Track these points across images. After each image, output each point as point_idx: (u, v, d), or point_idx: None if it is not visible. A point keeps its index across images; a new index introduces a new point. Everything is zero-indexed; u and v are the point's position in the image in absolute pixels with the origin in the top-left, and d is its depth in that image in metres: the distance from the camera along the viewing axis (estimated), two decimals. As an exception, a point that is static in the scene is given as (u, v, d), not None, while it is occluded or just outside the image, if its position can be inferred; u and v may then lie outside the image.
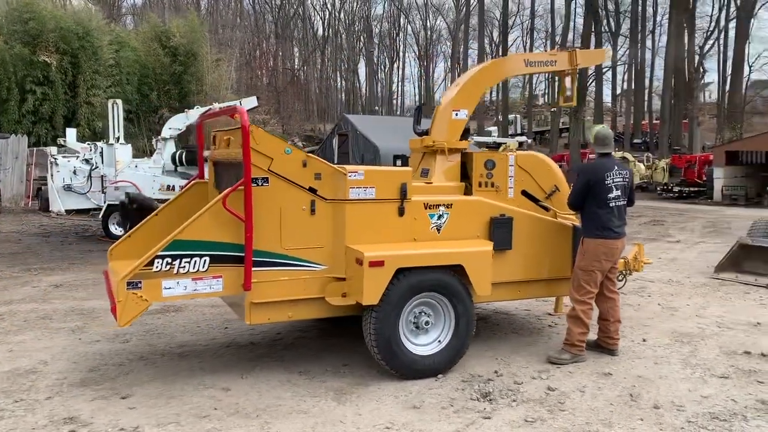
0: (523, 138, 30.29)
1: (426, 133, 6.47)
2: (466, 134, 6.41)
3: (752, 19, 40.54)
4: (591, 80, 41.05)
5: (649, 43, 49.34)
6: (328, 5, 67.05)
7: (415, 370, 5.13)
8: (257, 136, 4.81)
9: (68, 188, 13.85)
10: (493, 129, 47.71)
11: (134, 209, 11.05)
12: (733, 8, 43.08)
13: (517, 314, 7.30)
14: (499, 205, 5.71)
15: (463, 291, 5.23)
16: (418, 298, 5.14)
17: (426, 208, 5.39)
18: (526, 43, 62.80)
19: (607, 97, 52.07)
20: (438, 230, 5.44)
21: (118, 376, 5.21)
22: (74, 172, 13.88)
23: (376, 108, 62.95)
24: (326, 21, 67.92)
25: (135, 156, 14.84)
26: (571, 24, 48.47)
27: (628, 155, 30.74)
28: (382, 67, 71.49)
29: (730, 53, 41.25)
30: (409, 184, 5.26)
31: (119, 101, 14.57)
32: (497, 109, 55.41)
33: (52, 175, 13.87)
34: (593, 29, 39.25)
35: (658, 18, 51.41)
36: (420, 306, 5.21)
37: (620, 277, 6.36)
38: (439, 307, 5.27)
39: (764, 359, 5.73)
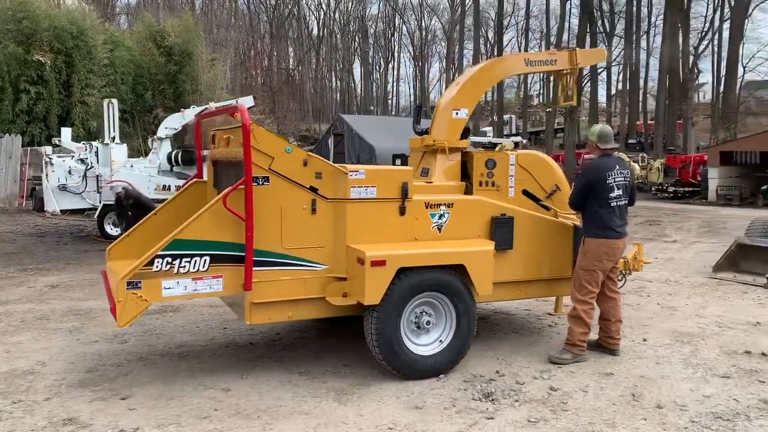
0: (518, 138, 30.31)
1: (426, 132, 6.44)
2: (466, 133, 6.39)
3: (746, 20, 40.67)
4: (586, 81, 41.11)
5: (643, 43, 49.49)
6: (323, 5, 67.11)
7: (417, 370, 5.11)
8: (258, 135, 4.77)
9: (63, 188, 13.77)
10: (488, 129, 47.74)
11: (130, 204, 11.01)
12: (727, 9, 43.19)
13: (517, 314, 7.28)
14: (500, 204, 5.69)
15: (465, 291, 5.21)
16: (420, 297, 5.12)
17: (427, 208, 5.37)
18: (521, 43, 62.96)
19: (602, 97, 52.17)
20: (439, 230, 5.41)
21: (117, 377, 5.17)
22: (69, 172, 13.81)
23: (372, 108, 62.92)
24: (321, 21, 67.93)
25: (130, 156, 14.77)
26: (566, 24, 48.55)
27: (623, 155, 30.71)
28: (377, 67, 71.51)
29: (725, 54, 41.37)
30: (410, 183, 5.24)
31: (114, 101, 14.51)
32: (492, 109, 55.43)
33: (47, 175, 13.78)
34: (588, 30, 39.29)
35: (653, 19, 51.53)
36: (421, 306, 5.18)
37: (620, 277, 6.34)
38: (440, 306, 5.24)
39: (765, 359, 5.73)
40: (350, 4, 67.54)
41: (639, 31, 46.79)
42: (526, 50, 55.52)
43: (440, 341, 5.24)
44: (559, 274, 5.98)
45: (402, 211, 5.23)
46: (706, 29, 47.85)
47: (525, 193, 6.02)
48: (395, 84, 76.00)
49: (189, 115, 13.97)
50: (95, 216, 13.68)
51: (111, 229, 13.60)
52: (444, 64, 65.77)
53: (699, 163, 29.35)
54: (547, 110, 46.11)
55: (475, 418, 4.42)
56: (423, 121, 6.96)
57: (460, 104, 6.26)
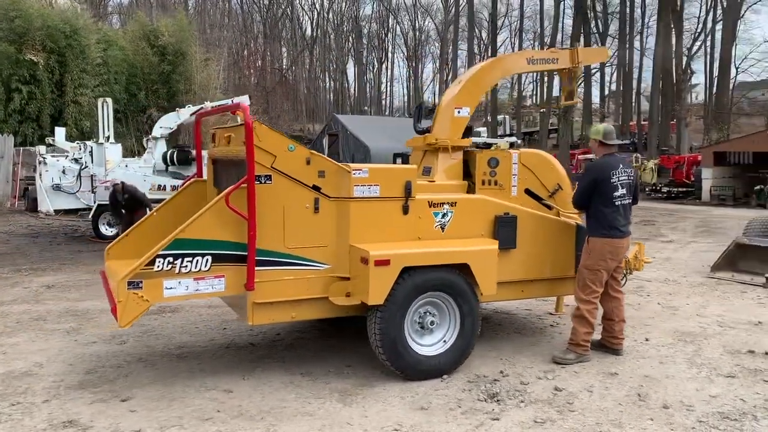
0: (513, 138, 30.32)
1: (427, 131, 6.40)
2: (468, 132, 6.35)
3: (739, 21, 40.86)
4: (580, 81, 41.10)
5: (637, 44, 49.59)
6: (317, 5, 66.97)
7: (421, 370, 5.06)
8: (260, 133, 4.72)
9: (57, 188, 13.67)
10: (482, 130, 47.57)
11: (125, 199, 10.91)
12: (720, 10, 43.37)
13: (518, 314, 7.24)
14: (504, 203, 5.65)
15: (469, 290, 5.17)
16: (424, 297, 5.07)
17: (430, 207, 5.32)
18: (514, 44, 62.91)
19: (595, 98, 52.27)
20: (442, 229, 5.37)
21: (117, 378, 5.09)
22: (63, 172, 13.71)
23: (366, 108, 62.85)
24: (314, 21, 67.82)
25: (123, 156, 14.67)
26: (560, 25, 48.64)
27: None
28: (371, 67, 71.44)
29: (717, 55, 41.53)
30: (413, 182, 5.19)
31: (109, 100, 14.41)
32: (486, 109, 55.45)
33: (40, 175, 13.68)
34: (582, 30, 39.38)
35: (647, 19, 51.67)
36: (425, 306, 5.14)
37: (621, 276, 6.30)
38: (444, 306, 5.19)
39: (768, 358, 5.71)
40: (344, 4, 67.49)
41: (632, 31, 46.86)
42: (520, 50, 55.60)
43: (444, 341, 5.20)
44: (562, 274, 5.95)
45: (405, 210, 5.19)
46: (699, 30, 48.05)
47: (527, 192, 5.98)
48: (389, 84, 76.04)
49: (184, 114, 13.90)
50: (90, 216, 13.57)
51: (105, 230, 13.52)
52: (438, 64, 65.84)
53: (692, 164, 29.41)
54: (541, 111, 46.14)
55: (481, 419, 4.38)
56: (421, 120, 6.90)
57: (462, 103, 6.22)
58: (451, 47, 57.68)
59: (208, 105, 14.07)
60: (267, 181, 4.78)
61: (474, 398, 4.74)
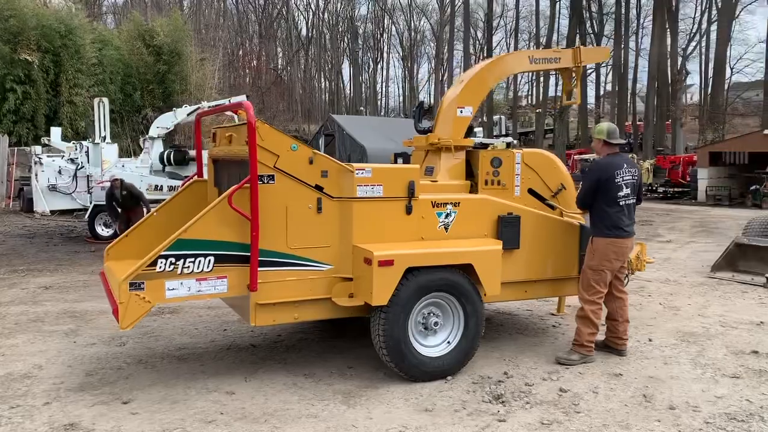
0: (510, 138, 30.35)
1: (429, 130, 6.36)
2: (470, 132, 6.31)
3: (733, 22, 40.97)
4: (574, 83, 41.14)
5: (632, 44, 49.69)
6: (312, 5, 66.88)
7: (424, 371, 5.02)
8: (263, 132, 4.67)
9: (53, 188, 13.60)
10: (478, 130, 47.71)
11: (124, 195, 10.83)
12: (714, 11, 43.50)
13: (520, 314, 7.21)
14: (507, 203, 5.61)
15: (473, 291, 5.13)
16: (427, 298, 5.03)
17: (434, 207, 5.28)
18: (509, 44, 63.03)
19: (590, 98, 52.31)
20: (446, 229, 5.33)
21: (118, 381, 5.04)
22: (59, 172, 13.64)
23: (361, 108, 62.78)
24: (309, 21, 67.72)
25: (119, 156, 14.59)
26: (556, 25, 48.69)
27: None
28: (366, 67, 71.39)
29: (712, 55, 41.64)
30: (417, 181, 5.15)
31: (105, 99, 14.34)
32: (481, 110, 55.48)
33: (36, 175, 13.61)
34: (578, 31, 39.44)
35: (642, 20, 51.79)
36: (428, 306, 5.10)
37: (624, 277, 6.28)
38: (447, 307, 5.16)
39: (772, 359, 5.69)
40: (339, 4, 67.40)
41: (627, 32, 46.96)
42: (515, 50, 55.64)
43: (448, 342, 5.16)
44: (565, 274, 5.91)
45: (408, 210, 5.14)
46: (694, 31, 48.20)
47: (531, 192, 5.95)
48: (384, 84, 75.99)
49: (181, 114, 13.84)
50: (86, 216, 13.49)
51: (102, 230, 13.43)
52: (433, 64, 65.83)
53: (688, 164, 29.48)
54: (537, 111, 46.22)
55: (486, 421, 4.34)
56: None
57: (464, 102, 6.19)
58: (446, 47, 57.64)
59: (205, 105, 14.02)
60: (270, 181, 4.74)
61: (479, 399, 4.70)
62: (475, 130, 6.64)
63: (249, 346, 5.98)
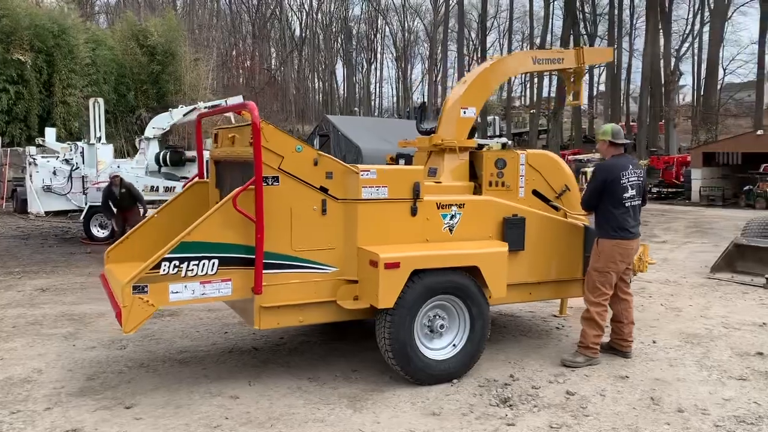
0: (504, 139, 30.34)
1: (431, 131, 6.32)
2: (473, 133, 6.28)
3: (726, 23, 41.14)
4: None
5: (625, 45, 49.84)
6: (305, 6, 66.77)
7: (430, 375, 4.97)
8: (267, 133, 4.61)
9: (48, 189, 13.50)
10: (472, 130, 47.63)
11: (122, 193, 10.74)
12: (707, 12, 43.66)
13: (523, 316, 7.18)
14: (512, 205, 5.57)
15: (479, 293, 5.09)
16: (433, 300, 4.98)
17: (438, 208, 5.23)
18: (503, 45, 63.05)
19: (584, 99, 52.40)
20: (450, 231, 5.28)
21: (119, 385, 4.97)
22: (54, 173, 13.56)
23: (355, 109, 62.73)
24: (303, 22, 67.61)
25: (113, 157, 14.49)
26: (549, 26, 48.73)
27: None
28: (360, 68, 71.34)
29: (705, 56, 41.80)
30: (422, 183, 5.10)
31: (100, 100, 14.25)
32: (475, 110, 55.38)
33: (30, 176, 13.51)
34: (572, 32, 39.52)
35: (635, 21, 51.93)
36: (434, 309, 5.06)
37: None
38: (453, 310, 5.11)
39: (777, 360, 5.68)
40: (332, 5, 67.32)
41: (621, 33, 47.12)
42: (509, 52, 55.70)
43: (454, 345, 5.12)
44: (570, 276, 5.88)
45: (413, 212, 5.10)
46: (687, 32, 48.37)
47: (535, 193, 5.91)
48: (378, 85, 75.96)
49: (177, 114, 13.76)
50: (81, 217, 13.39)
51: (97, 231, 13.33)
52: (427, 65, 65.79)
53: (682, 164, 29.59)
54: (531, 111, 46.29)
55: (495, 425, 4.30)
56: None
57: (468, 103, 6.15)
58: (440, 48, 57.69)
59: (201, 105, 13.95)
60: (274, 183, 4.68)
61: (486, 403, 4.66)
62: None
63: (251, 349, 5.92)
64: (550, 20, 48.22)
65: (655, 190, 29.44)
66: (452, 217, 5.28)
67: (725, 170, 27.27)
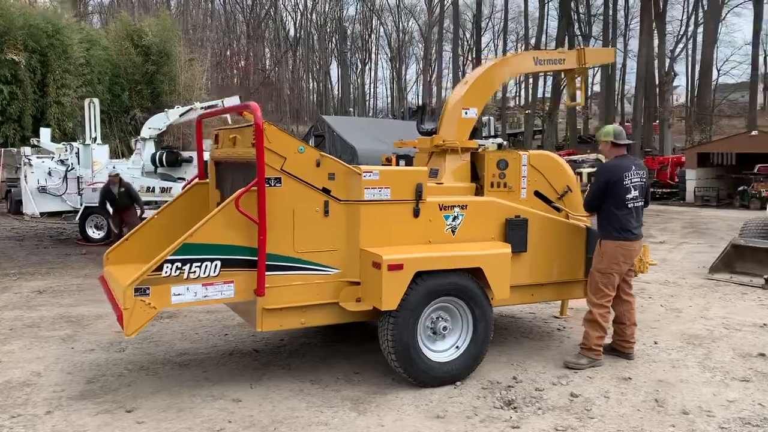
0: (500, 140, 30.34)
1: (432, 132, 6.29)
2: (474, 133, 6.25)
3: (720, 24, 41.28)
4: (563, 85, 41.32)
5: (620, 45, 49.93)
6: (300, 6, 66.66)
7: (433, 377, 4.95)
8: (270, 134, 4.58)
9: (43, 190, 13.42)
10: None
11: (121, 193, 10.68)
12: (701, 13, 43.80)
13: (523, 317, 7.16)
14: (514, 206, 5.56)
15: (482, 295, 5.07)
16: (436, 302, 4.96)
17: (441, 210, 5.21)
18: (498, 45, 63.12)
19: (578, 99, 52.45)
20: (453, 232, 5.26)
21: (120, 388, 4.92)
22: (49, 174, 13.48)
23: (350, 109, 62.67)
24: (297, 22, 67.49)
25: (109, 157, 14.42)
26: (544, 27, 48.77)
27: (602, 157, 31.01)
28: (354, 68, 71.25)
29: (699, 57, 41.92)
30: (424, 184, 5.07)
31: (96, 100, 14.21)
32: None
33: (25, 176, 13.44)
34: (566, 32, 39.58)
35: (629, 22, 52.05)
36: (437, 311, 5.03)
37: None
38: (456, 311, 5.09)
39: (780, 361, 5.67)
40: (327, 5, 67.22)
41: (615, 34, 47.24)
42: (504, 52, 55.76)
43: (457, 347, 5.09)
44: (572, 277, 5.87)
45: (416, 213, 5.07)
46: (681, 33, 48.51)
47: (537, 194, 5.89)
48: (372, 85, 75.92)
49: (173, 115, 13.69)
50: (76, 218, 13.30)
51: (93, 232, 13.26)
52: (421, 65, 65.81)
53: (676, 165, 29.67)
54: (526, 112, 46.33)
55: (500, 428, 4.28)
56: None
57: (469, 103, 6.12)
58: (435, 48, 57.67)
59: (198, 105, 13.88)
60: (277, 184, 4.65)
61: (490, 405, 4.63)
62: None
63: (252, 351, 5.88)
64: (545, 21, 48.32)
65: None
66: (455, 218, 5.26)
67: (720, 171, 27.36)
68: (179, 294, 4.39)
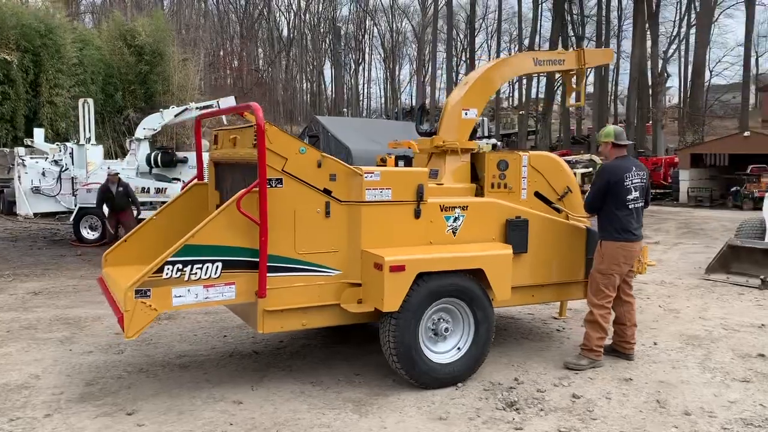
0: (494, 140, 30.36)
1: (431, 132, 6.28)
2: (473, 134, 6.24)
3: (712, 25, 41.48)
4: (557, 85, 41.49)
5: (613, 46, 50.08)
6: (293, 6, 66.58)
7: (435, 378, 4.93)
8: (271, 135, 4.56)
9: (37, 190, 13.34)
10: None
11: (119, 192, 10.62)
12: (694, 15, 44.01)
13: (522, 318, 7.16)
14: (515, 207, 5.55)
15: (483, 296, 5.06)
16: (438, 303, 4.94)
17: (442, 211, 5.19)
18: (491, 46, 63.26)
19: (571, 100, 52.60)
20: (454, 233, 5.24)
21: (119, 390, 4.89)
22: (43, 174, 13.39)
23: (344, 110, 62.64)
24: (291, 22, 67.42)
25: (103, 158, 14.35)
26: (537, 27, 48.88)
27: (596, 157, 31.08)
28: (348, 68, 71.23)
29: (692, 58, 42.10)
30: (425, 185, 5.06)
31: (90, 100, 14.11)
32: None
33: (19, 177, 13.33)
34: (560, 33, 39.67)
35: (623, 23, 52.22)
36: (439, 312, 5.02)
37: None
38: (457, 312, 5.08)
39: (779, 362, 5.69)
40: (320, 5, 67.18)
41: (609, 35, 47.38)
42: (497, 53, 55.84)
43: (458, 348, 5.08)
44: (572, 278, 5.86)
45: (417, 214, 5.06)
46: (674, 34, 48.74)
47: (537, 195, 5.88)
48: (366, 86, 75.93)
49: (168, 115, 13.62)
50: (71, 219, 13.23)
51: (87, 233, 13.18)
52: (415, 66, 65.85)
53: (670, 165, 29.79)
54: (520, 113, 46.43)
55: (503, 429, 4.26)
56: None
57: (469, 104, 6.11)
58: (428, 48, 57.72)
59: (193, 106, 13.81)
60: (278, 185, 4.62)
61: (492, 407, 4.62)
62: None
63: (251, 353, 5.85)
64: (539, 22, 48.43)
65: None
66: (456, 219, 5.25)
67: (713, 171, 27.49)
68: (180, 296, 4.36)
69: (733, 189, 25.23)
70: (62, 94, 22.39)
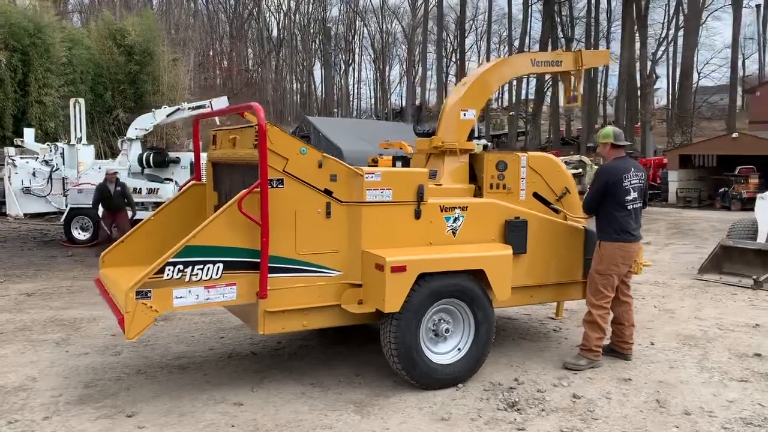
0: (484, 141, 30.40)
1: (429, 133, 6.28)
2: (471, 135, 6.24)
3: (700, 28, 41.77)
4: (548, 86, 41.65)
5: (602, 48, 50.29)
6: (283, 6, 66.43)
7: (436, 379, 4.93)
8: (272, 135, 4.54)
9: (27, 191, 13.22)
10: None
11: (116, 192, 10.55)
12: (682, 17, 44.32)
13: (519, 318, 7.18)
14: (514, 207, 5.55)
15: (483, 297, 5.06)
16: (439, 304, 4.94)
17: (442, 211, 5.19)
18: (481, 48, 63.41)
19: (561, 101, 52.83)
20: (454, 234, 5.24)
21: (118, 392, 4.85)
22: (33, 174, 13.28)
23: (334, 110, 62.57)
24: (281, 22, 67.27)
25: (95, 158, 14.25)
26: (527, 29, 49.03)
27: (585, 158, 31.22)
28: (338, 69, 71.17)
29: (680, 60, 42.40)
30: (426, 186, 5.06)
31: (81, 100, 14.04)
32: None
33: (9, 177, 13.21)
34: (550, 35, 39.83)
35: (612, 25, 52.48)
36: (439, 313, 5.02)
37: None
38: (458, 313, 5.08)
39: (776, 361, 5.73)
40: (310, 5, 67.08)
41: (598, 37, 47.61)
42: (487, 54, 56.01)
43: (459, 349, 5.08)
44: (571, 278, 5.87)
45: (417, 215, 5.05)
46: (662, 36, 49.06)
47: (536, 195, 5.90)
48: (356, 86, 75.89)
49: (160, 115, 13.54)
50: (62, 220, 13.12)
51: (78, 234, 13.08)
52: (405, 67, 65.85)
53: (658, 166, 29.98)
54: (510, 114, 46.55)
55: (505, 429, 4.27)
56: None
57: (467, 105, 6.12)
58: (418, 49, 57.78)
59: (185, 106, 13.73)
60: (279, 185, 4.61)
61: (493, 407, 4.63)
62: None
63: (250, 354, 5.82)
64: (529, 23, 48.59)
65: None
66: (455, 219, 5.25)
67: (701, 172, 27.68)
68: (181, 297, 4.33)
69: (722, 190, 25.43)
70: (51, 93, 22.15)
